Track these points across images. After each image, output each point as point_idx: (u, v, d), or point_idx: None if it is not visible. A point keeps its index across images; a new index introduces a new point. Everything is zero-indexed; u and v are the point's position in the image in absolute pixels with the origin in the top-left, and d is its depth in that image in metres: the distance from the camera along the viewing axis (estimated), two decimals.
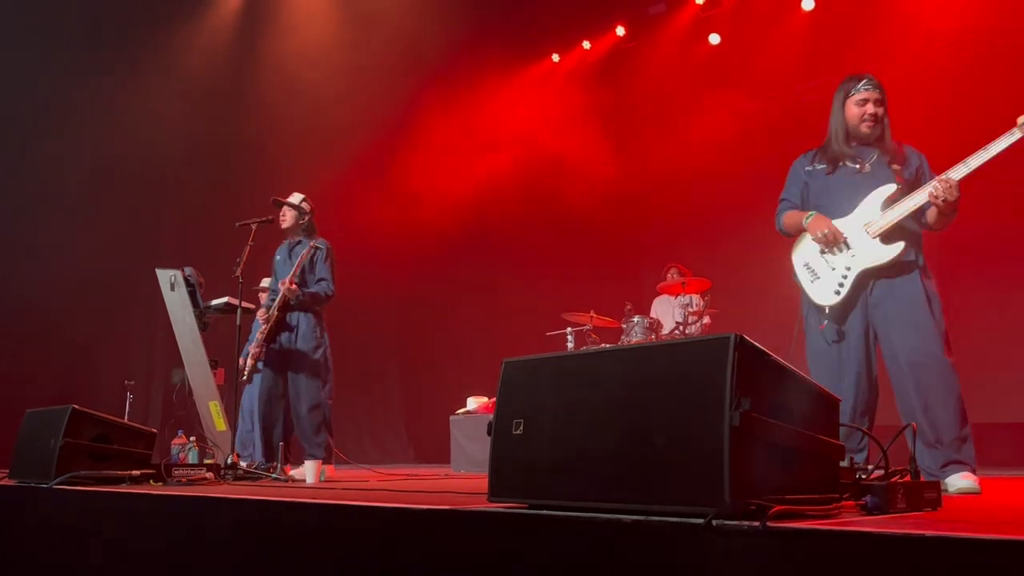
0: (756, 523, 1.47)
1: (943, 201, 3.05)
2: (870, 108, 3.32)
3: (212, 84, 8.58)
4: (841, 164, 3.38)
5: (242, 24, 8.97)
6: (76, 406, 3.82)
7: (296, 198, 5.39)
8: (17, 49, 7.58)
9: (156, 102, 8.21)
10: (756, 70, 8.16)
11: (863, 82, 3.35)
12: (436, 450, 7.60)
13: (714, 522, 1.52)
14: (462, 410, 6.98)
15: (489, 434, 2.11)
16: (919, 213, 3.23)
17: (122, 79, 8.02)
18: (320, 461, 4.24)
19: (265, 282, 5.77)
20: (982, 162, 3.05)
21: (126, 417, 6.80)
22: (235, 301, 4.89)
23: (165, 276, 4.83)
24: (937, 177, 3.11)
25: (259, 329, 6.70)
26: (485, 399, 6.89)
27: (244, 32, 8.93)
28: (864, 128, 3.33)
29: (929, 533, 1.30)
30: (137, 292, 7.20)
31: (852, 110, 3.36)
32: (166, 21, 8.47)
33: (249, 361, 6.82)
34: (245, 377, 6.88)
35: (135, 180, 8.15)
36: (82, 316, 7.95)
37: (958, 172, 3.06)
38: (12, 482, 3.91)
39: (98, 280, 7.89)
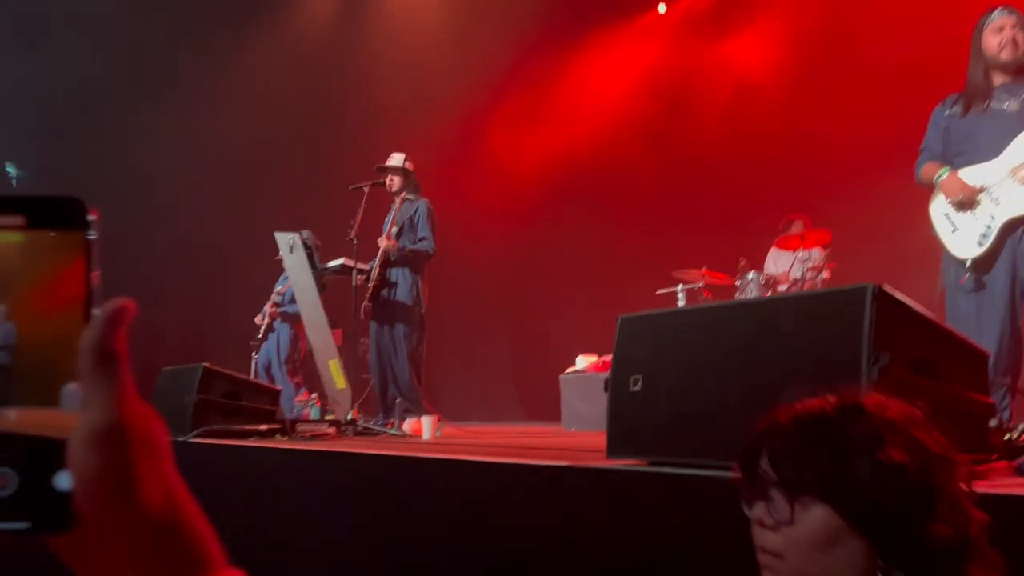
0: None
1: None
2: (1007, 33, 3.09)
3: (320, 56, 8.79)
4: (986, 104, 3.13)
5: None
6: (207, 364, 4.01)
7: (397, 159, 5.47)
8: (140, 26, 7.96)
9: (268, 75, 8.47)
10: (885, 7, 7.63)
11: (997, 10, 3.15)
12: (545, 408, 7.62)
13: None
14: (572, 369, 6.96)
15: (606, 391, 2.07)
16: None
17: (237, 53, 8.31)
18: (436, 417, 4.32)
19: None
20: None
21: (251, 374, 7.14)
22: (351, 263, 5.02)
23: (284, 239, 4.99)
24: None
25: (276, 291, 7.07)
26: (595, 358, 6.84)
27: (350, 4, 9.08)
28: (1004, 56, 3.10)
29: None
30: (258, 255, 7.52)
31: (989, 40, 3.15)
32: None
33: (266, 320, 7.11)
34: (260, 335, 7.19)
35: (254, 148, 8.47)
36: (208, 279, 8.38)
37: None
38: None
39: (222, 245, 8.27)
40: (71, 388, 0.44)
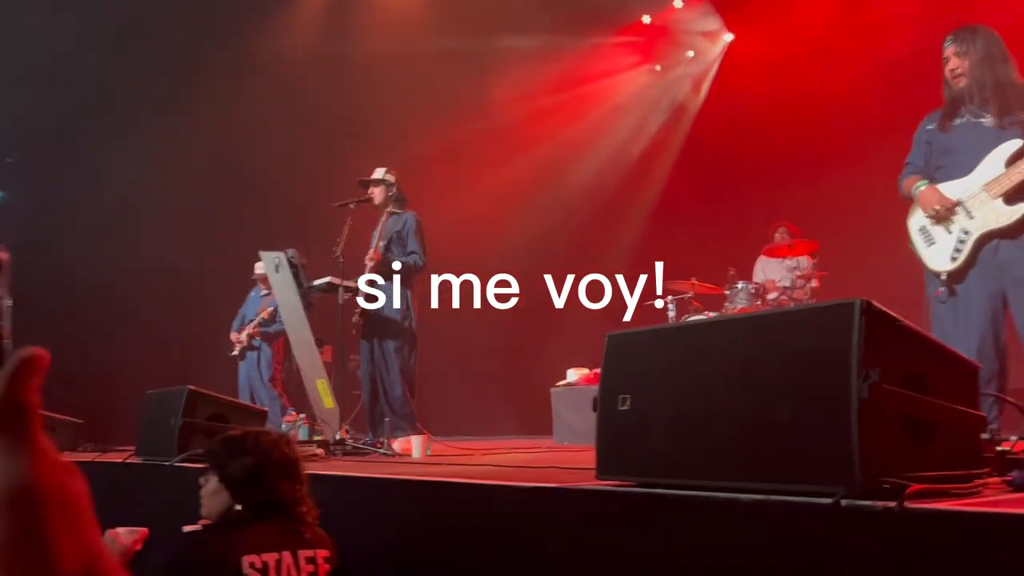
0: (892, 504, 1.36)
1: None
2: (951, 63, 3.25)
3: (303, 75, 8.75)
4: (963, 119, 3.16)
5: (335, 12, 9.09)
6: (192, 387, 3.96)
7: (379, 172, 5.45)
8: (122, 50, 7.93)
9: (251, 95, 8.42)
10: (873, 19, 7.66)
11: (944, 43, 3.28)
12: (537, 421, 7.59)
13: (843, 502, 1.42)
14: (563, 382, 6.93)
15: (594, 410, 2.04)
16: None
17: (220, 74, 8.25)
18: (426, 436, 4.28)
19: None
20: None
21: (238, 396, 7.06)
22: (337, 280, 4.98)
23: (270, 258, 4.95)
24: None
25: (257, 306, 6.99)
26: (586, 370, 6.81)
27: (336, 21, 9.05)
28: (956, 85, 3.20)
29: None
30: (244, 275, 7.47)
31: (945, 73, 3.26)
32: (262, 15, 8.67)
33: (243, 338, 7.01)
34: (236, 352, 7.08)
35: (238, 168, 8.43)
36: (193, 301, 8.33)
37: None
38: (138, 459, 4.10)
39: (206, 265, 8.21)
40: None
